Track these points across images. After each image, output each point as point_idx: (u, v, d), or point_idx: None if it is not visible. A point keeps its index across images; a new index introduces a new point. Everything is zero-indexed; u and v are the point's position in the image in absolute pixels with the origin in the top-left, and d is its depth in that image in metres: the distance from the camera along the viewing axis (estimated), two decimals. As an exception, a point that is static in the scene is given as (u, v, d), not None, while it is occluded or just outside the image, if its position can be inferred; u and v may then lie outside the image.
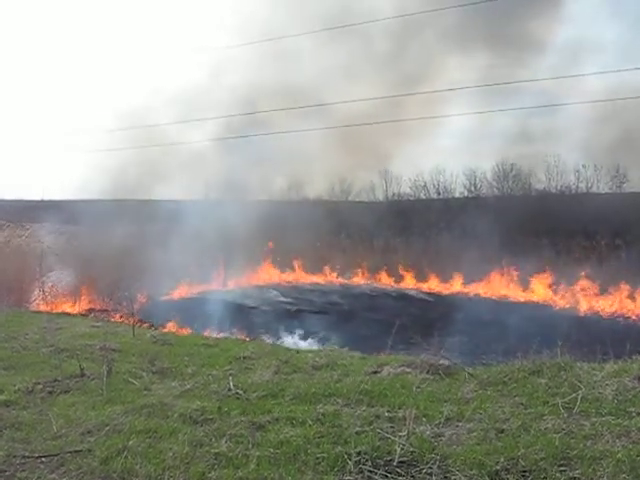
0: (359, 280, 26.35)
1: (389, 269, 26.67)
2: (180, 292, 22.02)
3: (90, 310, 18.54)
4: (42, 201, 35.88)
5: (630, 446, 4.46)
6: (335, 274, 26.56)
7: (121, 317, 17.16)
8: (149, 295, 20.40)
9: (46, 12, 55.37)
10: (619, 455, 4.25)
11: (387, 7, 35.71)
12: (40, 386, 7.06)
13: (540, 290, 22.85)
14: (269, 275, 25.72)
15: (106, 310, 18.66)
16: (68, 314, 16.98)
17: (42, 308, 17.68)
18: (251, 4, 46.49)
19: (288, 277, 25.94)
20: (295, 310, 21.05)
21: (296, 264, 26.49)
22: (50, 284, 19.18)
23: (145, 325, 15.49)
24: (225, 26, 48.49)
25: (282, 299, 22.13)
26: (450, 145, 50.30)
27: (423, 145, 46.34)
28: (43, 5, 56.42)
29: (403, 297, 23.91)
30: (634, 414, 5.18)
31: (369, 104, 27.15)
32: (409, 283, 25.89)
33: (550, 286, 22.77)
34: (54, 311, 17.05)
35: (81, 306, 19.19)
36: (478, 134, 38.54)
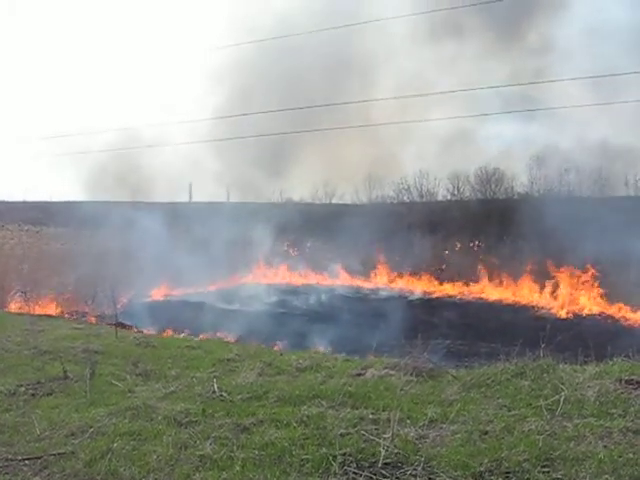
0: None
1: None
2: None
3: (72, 312, 18.38)
4: (25, 202, 35.59)
5: (612, 447, 4.51)
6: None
7: (104, 321, 17.00)
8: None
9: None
10: (601, 456, 4.29)
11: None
12: (23, 388, 7.03)
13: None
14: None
15: (86, 312, 18.50)
16: (50, 316, 16.84)
17: (23, 310, 17.51)
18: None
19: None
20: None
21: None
22: (31, 286, 18.97)
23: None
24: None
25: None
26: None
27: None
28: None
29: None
30: (616, 416, 5.24)
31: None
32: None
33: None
34: (35, 313, 16.89)
35: (62, 308, 19.03)
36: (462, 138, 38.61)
